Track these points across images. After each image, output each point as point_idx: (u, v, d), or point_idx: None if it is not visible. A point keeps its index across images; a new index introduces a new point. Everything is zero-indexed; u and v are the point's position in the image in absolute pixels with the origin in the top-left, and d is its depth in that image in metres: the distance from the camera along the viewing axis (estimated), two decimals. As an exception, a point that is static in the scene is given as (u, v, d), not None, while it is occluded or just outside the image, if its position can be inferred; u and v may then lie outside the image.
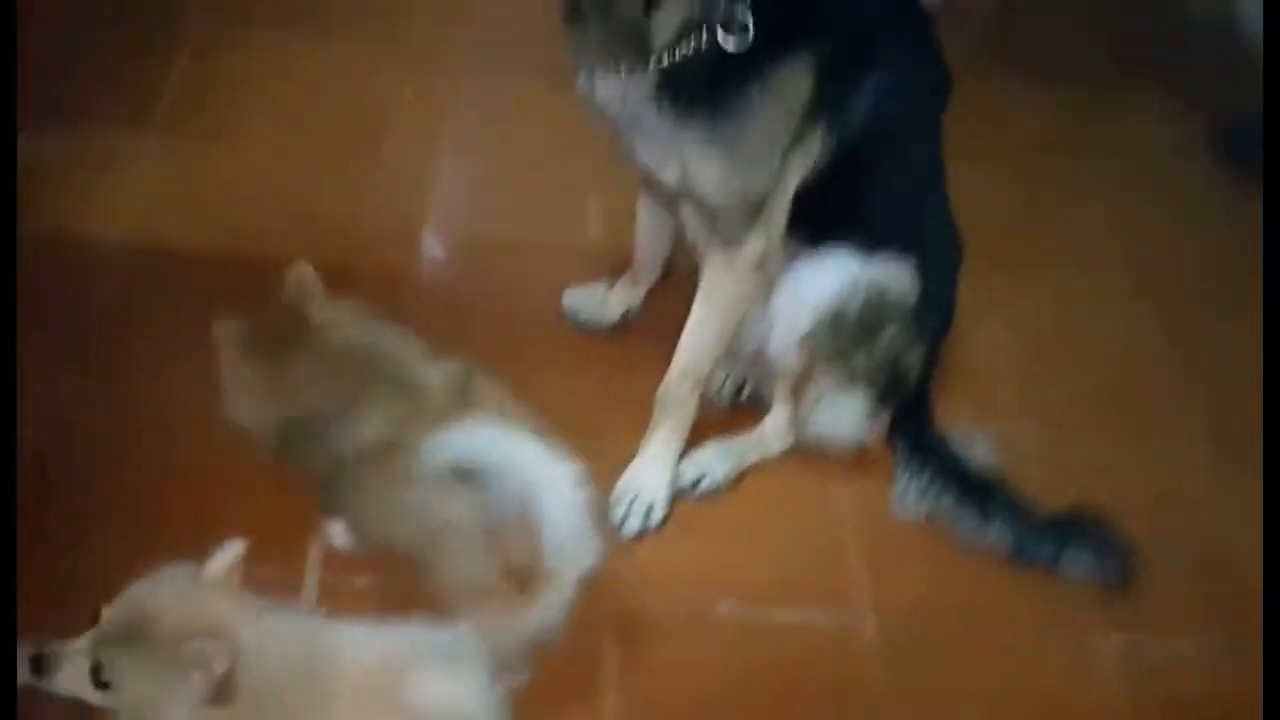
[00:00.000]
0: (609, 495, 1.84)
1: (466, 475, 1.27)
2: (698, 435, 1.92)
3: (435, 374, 1.46)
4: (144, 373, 1.85)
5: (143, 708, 1.16)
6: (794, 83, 1.45)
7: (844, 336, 1.72)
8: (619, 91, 1.49)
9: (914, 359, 1.78)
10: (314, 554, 1.67)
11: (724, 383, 2.04)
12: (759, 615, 1.79)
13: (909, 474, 1.92)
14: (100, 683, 1.15)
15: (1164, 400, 2.41)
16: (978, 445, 1.92)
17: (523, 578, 1.32)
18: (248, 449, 1.53)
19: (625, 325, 2.15)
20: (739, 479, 1.95)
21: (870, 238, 1.68)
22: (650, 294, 2.15)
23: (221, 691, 1.12)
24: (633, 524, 1.81)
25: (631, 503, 1.82)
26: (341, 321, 1.49)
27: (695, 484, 1.91)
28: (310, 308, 1.46)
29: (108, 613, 1.17)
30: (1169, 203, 3.10)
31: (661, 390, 1.82)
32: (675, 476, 1.88)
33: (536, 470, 1.26)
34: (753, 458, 1.96)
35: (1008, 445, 2.08)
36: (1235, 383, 2.52)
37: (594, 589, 1.42)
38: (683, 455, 1.91)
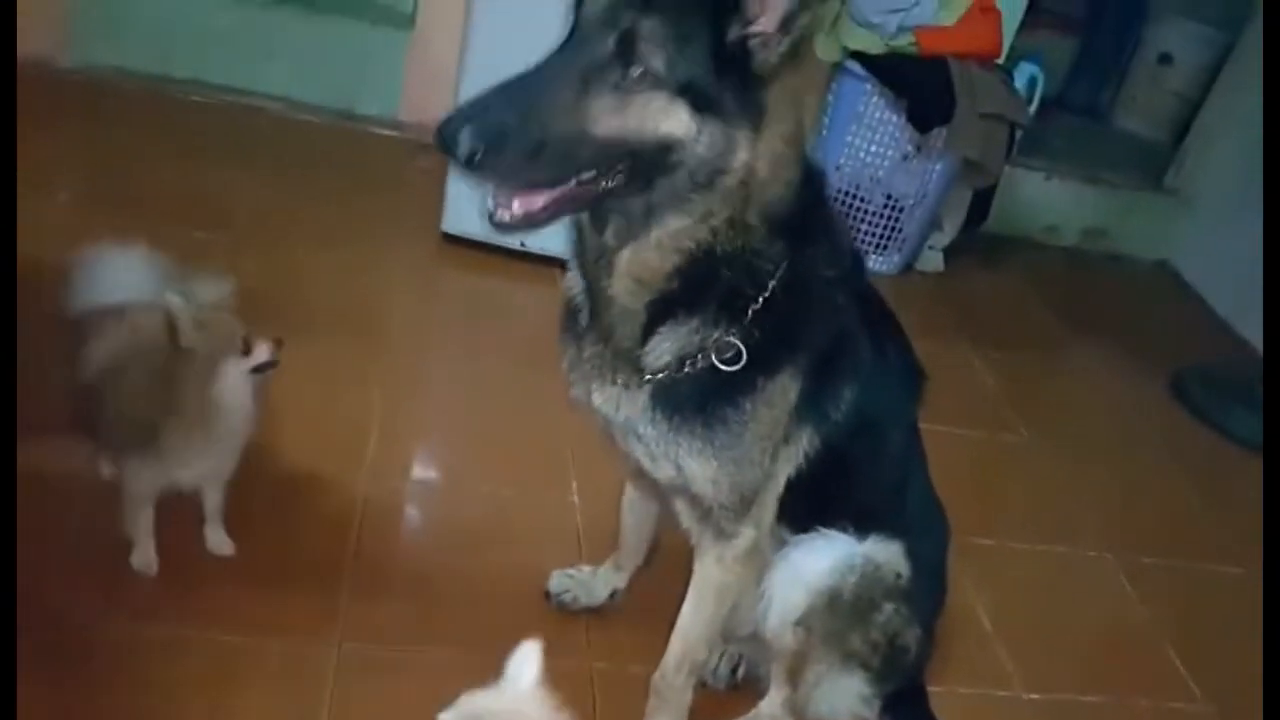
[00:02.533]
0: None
1: None
2: (693, 718, 1.87)
3: None
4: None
5: None
6: (782, 391, 1.52)
7: (840, 617, 1.71)
8: (614, 402, 1.56)
9: (910, 639, 1.77)
10: None
11: (719, 662, 2.01)
12: None
13: None
14: None
15: (1149, 653, 2.41)
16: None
17: None
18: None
19: (613, 606, 2.12)
20: (737, 767, 1.89)
21: (861, 522, 1.71)
22: (637, 572, 2.14)
23: None
24: (631, 825, 1.73)
25: (629, 801, 1.74)
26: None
27: (693, 775, 1.84)
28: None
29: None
30: (1131, 455, 3.19)
31: (657, 678, 1.79)
32: (673, 768, 1.81)
33: None
34: (751, 742, 1.91)
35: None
36: (1216, 623, 2.54)
37: None
38: (679, 743, 1.84)
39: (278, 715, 1.77)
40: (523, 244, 3.14)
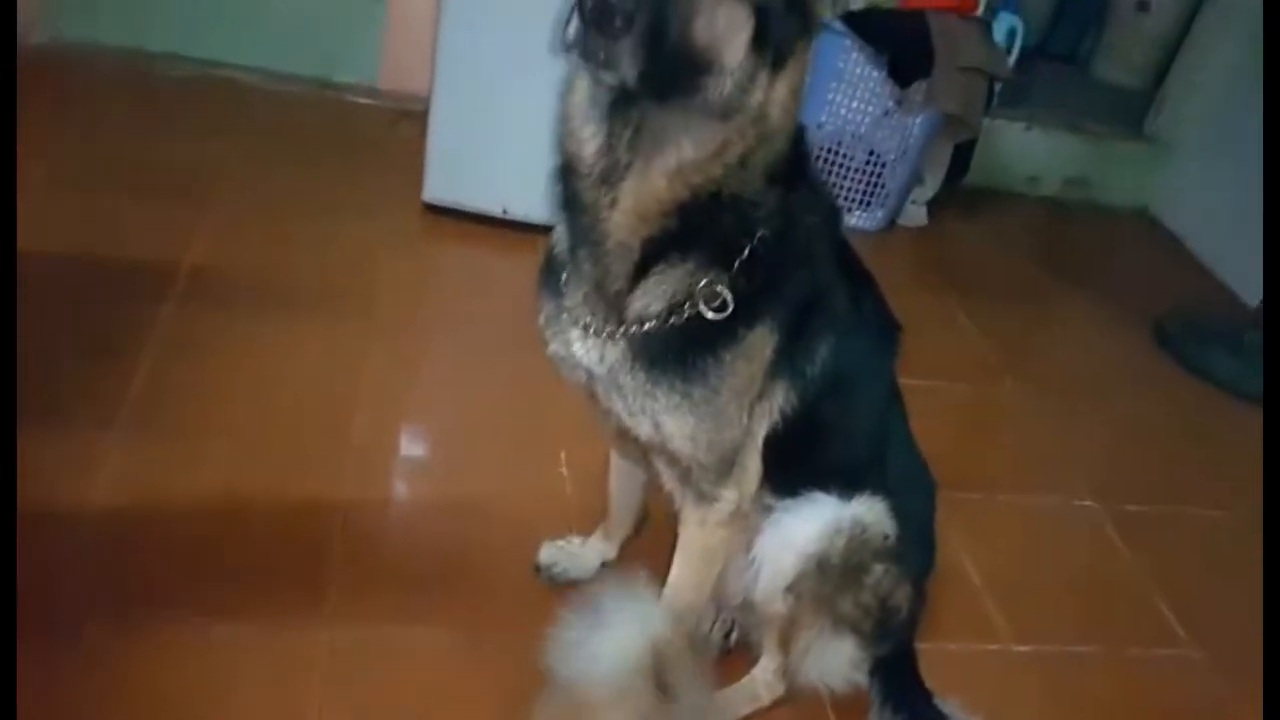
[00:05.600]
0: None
1: None
2: (686, 682, 1.90)
3: None
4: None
5: None
6: (760, 344, 1.51)
7: (830, 581, 1.71)
8: (596, 352, 1.53)
9: (901, 599, 1.78)
10: None
11: (712, 628, 2.03)
12: None
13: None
14: None
15: (1138, 601, 2.44)
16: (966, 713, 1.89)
17: None
18: None
19: (603, 577, 2.14)
20: (732, 731, 1.92)
21: (844, 482, 1.71)
22: (627, 541, 2.16)
23: None
24: (628, 789, 1.75)
25: (625, 765, 1.77)
26: None
27: (689, 741, 1.87)
28: None
29: None
30: (1117, 403, 3.22)
31: (650, 644, 1.80)
32: (668, 733, 1.84)
33: None
34: (745, 710, 1.93)
35: (1009, 679, 2.12)
36: (1202, 568, 2.57)
37: None
38: (673, 708, 1.87)
39: (268, 703, 1.76)
40: (505, 211, 3.13)
